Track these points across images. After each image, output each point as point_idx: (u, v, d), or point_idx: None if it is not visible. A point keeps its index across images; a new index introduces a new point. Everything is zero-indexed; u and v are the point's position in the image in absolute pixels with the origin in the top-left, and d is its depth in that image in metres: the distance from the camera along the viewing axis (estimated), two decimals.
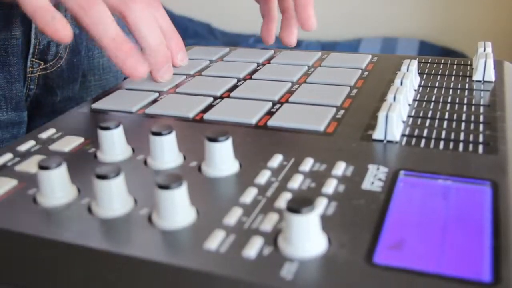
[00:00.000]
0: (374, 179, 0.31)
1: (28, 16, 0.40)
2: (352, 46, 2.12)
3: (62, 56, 0.57)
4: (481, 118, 0.39)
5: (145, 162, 0.34)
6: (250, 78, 0.49)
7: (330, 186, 0.30)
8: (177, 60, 0.50)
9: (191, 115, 0.41)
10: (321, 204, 0.28)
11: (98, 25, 0.41)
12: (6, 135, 0.54)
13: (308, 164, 0.33)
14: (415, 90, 0.45)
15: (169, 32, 0.48)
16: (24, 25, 0.52)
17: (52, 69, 0.56)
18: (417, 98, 0.43)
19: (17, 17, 0.51)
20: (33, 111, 0.58)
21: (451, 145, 0.35)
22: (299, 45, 2.20)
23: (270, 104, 0.42)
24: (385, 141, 0.36)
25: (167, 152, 0.33)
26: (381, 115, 0.35)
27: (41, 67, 0.55)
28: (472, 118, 0.39)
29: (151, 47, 0.45)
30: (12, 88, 0.53)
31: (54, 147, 0.37)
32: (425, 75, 0.48)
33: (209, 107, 0.43)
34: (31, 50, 0.54)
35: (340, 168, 0.32)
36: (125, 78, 0.54)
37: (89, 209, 0.29)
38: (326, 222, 0.27)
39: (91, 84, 0.63)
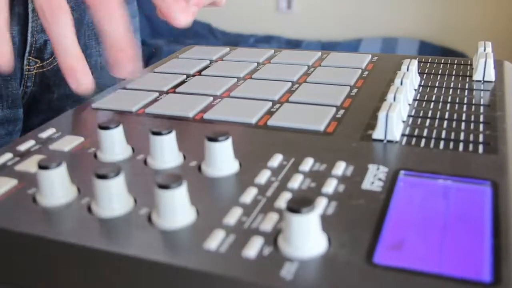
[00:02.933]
0: (374, 179, 0.31)
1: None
2: (352, 46, 2.12)
3: None
4: (481, 118, 0.39)
5: (145, 162, 0.34)
6: (250, 78, 0.49)
7: (330, 186, 0.30)
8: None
9: (191, 114, 0.41)
10: (321, 204, 0.28)
11: (57, 37, 0.39)
12: (2, 131, 0.54)
13: (308, 164, 0.33)
14: (415, 89, 0.45)
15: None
16: (20, 24, 0.52)
17: (49, 67, 0.57)
18: (417, 97, 0.43)
19: (14, 16, 0.51)
20: (30, 108, 0.58)
21: (451, 145, 0.35)
22: (299, 45, 2.20)
23: (270, 103, 0.42)
24: (385, 141, 0.36)
25: (167, 151, 0.33)
26: (381, 115, 0.35)
27: (37, 65, 0.55)
28: (472, 118, 0.39)
29: (115, 45, 0.41)
30: (8, 85, 0.53)
31: (54, 146, 0.37)
32: (425, 75, 0.48)
33: (209, 106, 0.43)
34: (27, 49, 0.54)
35: (340, 168, 0.32)
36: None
37: (89, 209, 0.29)
38: (326, 222, 0.27)
39: None
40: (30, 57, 0.54)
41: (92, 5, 0.40)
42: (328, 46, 2.16)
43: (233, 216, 0.28)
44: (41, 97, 0.58)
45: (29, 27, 0.53)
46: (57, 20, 0.39)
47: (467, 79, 0.47)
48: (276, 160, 0.33)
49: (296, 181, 0.31)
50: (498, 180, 0.30)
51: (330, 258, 0.25)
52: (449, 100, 0.42)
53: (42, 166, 0.29)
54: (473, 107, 0.41)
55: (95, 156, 0.35)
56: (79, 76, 0.40)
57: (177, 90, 0.47)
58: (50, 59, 0.56)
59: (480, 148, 0.34)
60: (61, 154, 0.36)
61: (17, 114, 0.55)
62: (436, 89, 0.45)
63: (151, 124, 0.34)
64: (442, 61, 0.52)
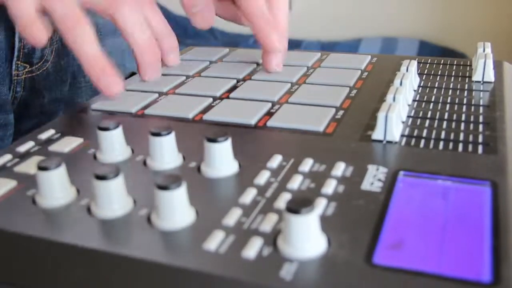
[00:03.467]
0: (373, 179, 0.31)
1: (12, 19, 0.41)
2: (352, 46, 2.12)
3: (48, 59, 0.57)
4: (481, 119, 0.39)
5: (145, 163, 0.34)
6: (250, 79, 0.49)
7: (330, 187, 0.30)
8: (168, 60, 0.51)
9: (190, 115, 0.41)
10: (321, 205, 0.28)
11: (79, 45, 0.42)
12: None
13: (307, 164, 0.33)
14: (414, 90, 0.45)
15: (162, 32, 0.48)
16: (7, 29, 0.52)
17: (38, 72, 0.56)
18: (417, 98, 0.43)
19: (1, 21, 0.51)
20: (20, 113, 0.57)
21: (451, 145, 0.35)
22: (299, 45, 2.20)
23: (270, 104, 0.42)
24: (384, 142, 0.36)
25: (166, 152, 0.33)
26: (381, 116, 0.35)
27: (26, 70, 0.55)
28: (472, 118, 0.39)
29: (139, 47, 0.45)
30: None
31: (53, 148, 0.37)
32: (424, 76, 0.48)
33: (209, 107, 0.43)
34: (15, 53, 0.53)
35: (340, 168, 0.32)
36: (129, 75, 0.54)
37: (89, 210, 0.29)
38: (326, 223, 0.27)
39: (82, 85, 0.63)
40: (19, 62, 0.54)
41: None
42: (327, 46, 2.16)
43: (233, 216, 0.28)
44: (31, 102, 0.58)
45: (16, 32, 0.52)
46: (80, 32, 0.42)
47: (467, 79, 0.47)
48: (276, 160, 0.33)
49: (296, 182, 0.31)
50: (497, 180, 0.30)
51: (329, 259, 0.25)
52: (448, 100, 0.42)
53: (42, 167, 0.29)
54: (472, 107, 0.41)
55: (95, 157, 0.35)
56: (110, 80, 0.42)
57: (177, 91, 0.47)
58: (39, 64, 0.56)
59: (480, 149, 0.34)
60: (60, 155, 0.36)
61: (8, 119, 0.55)
62: (435, 89, 0.45)
63: (150, 125, 0.34)
64: (442, 62, 0.52)
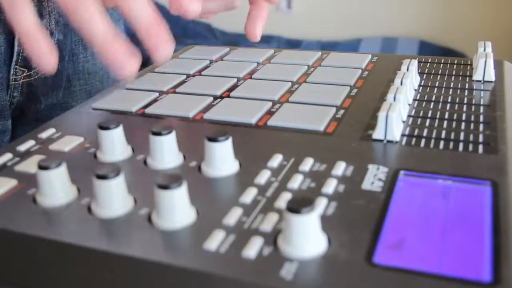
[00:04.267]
0: (374, 179, 0.31)
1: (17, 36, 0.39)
2: (352, 46, 2.12)
3: None
4: (481, 118, 0.39)
5: (145, 162, 0.34)
6: (250, 78, 0.49)
7: (330, 186, 0.30)
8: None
9: (191, 115, 0.41)
10: (321, 204, 0.28)
11: (86, 23, 0.39)
12: None
13: (308, 164, 0.33)
14: (415, 89, 0.45)
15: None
16: (6, 33, 0.52)
17: (36, 76, 0.56)
18: (417, 98, 0.43)
19: (0, 24, 0.51)
20: (17, 119, 0.57)
21: (451, 145, 0.35)
22: (299, 45, 2.20)
23: (270, 103, 0.42)
24: (385, 141, 0.36)
25: (167, 152, 0.33)
26: (381, 115, 0.35)
27: (24, 74, 0.55)
28: (472, 118, 0.39)
29: (144, 26, 0.41)
30: None
31: (54, 147, 0.37)
32: (425, 75, 0.48)
33: (209, 106, 0.43)
34: (14, 58, 0.53)
35: (340, 168, 0.32)
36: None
37: (89, 209, 0.29)
38: (326, 222, 0.27)
39: (76, 89, 0.63)
40: (17, 67, 0.53)
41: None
42: (328, 46, 2.16)
43: (233, 216, 0.28)
44: (28, 107, 0.57)
45: (16, 36, 0.52)
46: (85, 7, 0.38)
47: (467, 79, 0.47)
48: (276, 160, 0.33)
49: (296, 181, 0.31)
50: (498, 180, 0.30)
51: (330, 258, 0.25)
52: (449, 100, 0.42)
53: (42, 167, 0.29)
54: (473, 107, 0.41)
55: (95, 156, 0.35)
56: (123, 58, 0.39)
57: (177, 90, 0.47)
58: (37, 68, 0.55)
59: (480, 148, 0.34)
60: (61, 154, 0.36)
61: (6, 125, 0.54)
62: (436, 89, 0.45)
63: (151, 124, 0.34)
64: (442, 61, 0.52)
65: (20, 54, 0.53)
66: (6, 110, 0.54)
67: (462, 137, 0.36)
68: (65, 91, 0.61)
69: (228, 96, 0.45)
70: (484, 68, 0.46)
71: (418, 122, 0.38)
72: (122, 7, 0.41)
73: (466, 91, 0.44)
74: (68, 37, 0.58)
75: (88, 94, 0.63)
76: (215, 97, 0.44)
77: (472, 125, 0.37)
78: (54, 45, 0.40)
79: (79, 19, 0.39)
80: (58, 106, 0.60)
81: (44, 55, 0.38)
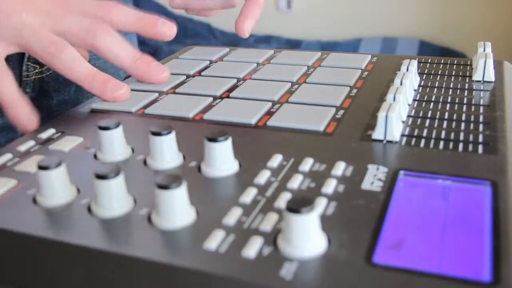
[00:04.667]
0: (373, 179, 0.31)
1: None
2: (352, 46, 2.12)
3: None
4: (481, 118, 0.39)
5: (145, 162, 0.34)
6: (250, 78, 0.49)
7: (330, 186, 0.30)
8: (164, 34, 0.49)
9: (190, 115, 0.41)
10: (321, 204, 0.28)
11: (69, 69, 0.43)
12: (2, 139, 0.54)
13: (307, 164, 0.33)
14: (414, 90, 0.45)
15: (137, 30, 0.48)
16: None
17: (48, 73, 0.56)
18: (417, 98, 0.43)
19: None
20: None
21: (451, 145, 0.35)
22: (299, 45, 2.20)
23: (270, 104, 0.42)
24: (384, 141, 0.36)
25: (166, 152, 0.33)
26: (381, 115, 0.35)
27: (36, 70, 0.55)
28: (472, 118, 0.39)
29: (129, 65, 0.46)
30: None
31: (53, 147, 0.37)
32: (425, 75, 0.48)
33: (209, 107, 0.43)
34: (26, 54, 0.53)
35: (340, 168, 0.32)
36: (126, 78, 0.54)
37: (89, 209, 0.29)
38: (326, 222, 0.27)
39: None
40: (29, 63, 0.54)
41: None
42: (328, 46, 2.16)
43: (233, 216, 0.28)
44: (40, 104, 0.58)
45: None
46: (65, 55, 0.43)
47: (467, 79, 0.47)
48: (276, 160, 0.33)
49: (296, 181, 0.31)
50: (497, 180, 0.30)
51: (329, 258, 0.25)
52: (448, 100, 0.42)
53: (42, 167, 0.29)
54: (472, 107, 0.41)
55: (95, 156, 0.35)
56: (114, 87, 0.44)
57: (177, 90, 0.47)
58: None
59: (480, 148, 0.34)
60: (61, 155, 0.36)
61: None
62: (435, 89, 0.45)
63: (150, 125, 0.34)
64: (442, 62, 0.52)
65: None
66: None
67: (462, 137, 0.36)
68: (76, 88, 0.62)
69: (228, 97, 0.45)
70: (483, 68, 0.46)
71: (418, 122, 0.38)
72: (98, 49, 0.45)
73: (466, 91, 0.44)
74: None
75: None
76: (215, 98, 0.44)
77: (472, 125, 0.38)
78: (33, 109, 0.43)
79: (62, 65, 0.43)
80: (69, 102, 0.61)
81: (23, 121, 0.43)
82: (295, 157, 0.34)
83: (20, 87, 0.55)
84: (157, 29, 0.48)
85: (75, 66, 0.43)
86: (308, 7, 2.28)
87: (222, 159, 0.32)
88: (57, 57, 0.43)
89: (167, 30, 0.48)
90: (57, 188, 0.30)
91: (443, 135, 0.36)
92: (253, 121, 0.40)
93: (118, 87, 0.44)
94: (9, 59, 0.52)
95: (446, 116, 0.39)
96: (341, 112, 0.41)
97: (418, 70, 0.49)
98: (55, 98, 0.59)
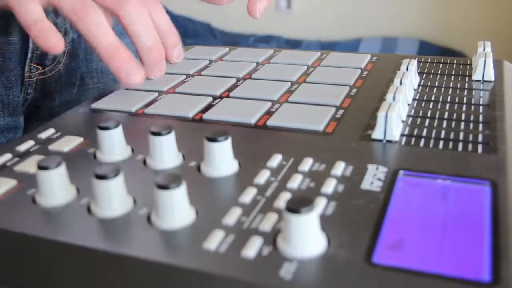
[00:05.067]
0: (373, 179, 0.31)
1: (23, 27, 0.40)
2: (352, 46, 2.12)
3: (60, 61, 0.57)
4: (481, 118, 0.39)
5: (145, 162, 0.34)
6: (250, 78, 0.49)
7: (330, 186, 0.30)
8: (173, 57, 0.50)
9: (190, 115, 0.41)
10: (320, 204, 0.28)
11: (93, 32, 0.41)
12: (2, 139, 0.54)
13: (307, 164, 0.33)
14: (414, 89, 0.45)
15: (167, 30, 0.48)
16: (22, 30, 0.52)
17: (50, 74, 0.56)
18: (417, 97, 0.43)
19: (15, 22, 0.51)
20: (30, 116, 0.57)
21: (451, 144, 0.35)
22: (299, 45, 2.20)
23: (270, 103, 0.42)
24: (384, 141, 0.36)
25: (166, 152, 0.33)
26: (381, 115, 0.35)
27: (38, 71, 0.55)
28: (472, 117, 0.39)
29: (146, 46, 0.45)
30: (9, 93, 0.53)
31: (53, 147, 0.37)
32: (424, 75, 0.48)
33: (209, 107, 0.43)
34: (29, 55, 0.53)
35: (340, 168, 0.32)
36: None
37: (88, 209, 0.29)
38: (325, 222, 0.27)
39: (90, 87, 0.63)
40: (32, 64, 0.54)
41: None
42: (327, 46, 2.16)
43: (233, 216, 0.28)
44: (41, 104, 0.58)
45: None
46: (92, 21, 0.41)
47: (467, 78, 0.47)
48: (276, 160, 0.33)
49: (296, 181, 0.31)
50: (497, 180, 0.30)
51: (329, 258, 0.25)
52: (448, 100, 0.42)
53: (42, 167, 0.29)
54: (472, 107, 0.41)
55: (95, 156, 0.35)
56: (132, 68, 0.42)
57: (177, 90, 0.47)
58: (51, 65, 0.56)
59: (480, 148, 0.34)
60: (60, 155, 0.36)
61: (18, 121, 0.55)
62: (435, 89, 0.45)
63: (150, 124, 0.34)
64: (442, 61, 0.52)
65: (35, 52, 0.54)
66: (19, 107, 0.54)
67: (461, 137, 0.36)
68: (79, 89, 0.62)
69: (228, 96, 0.45)
70: (483, 68, 0.46)
71: (418, 122, 0.38)
72: (122, 18, 0.43)
73: (466, 90, 0.44)
74: (82, 36, 0.59)
75: (101, 92, 0.64)
76: (215, 97, 0.44)
77: (471, 125, 0.37)
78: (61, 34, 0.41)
79: (86, 28, 0.40)
80: (71, 103, 0.61)
81: (52, 38, 0.40)
82: (295, 157, 0.34)
83: (22, 88, 0.55)
84: (170, 52, 0.49)
85: (99, 34, 0.41)
86: (308, 7, 2.28)
87: (221, 159, 0.32)
88: (83, 20, 0.41)
89: (174, 57, 0.50)
90: (57, 188, 0.30)
91: (442, 134, 0.36)
92: (252, 120, 0.40)
93: (134, 71, 0.42)
94: (11, 59, 0.52)
95: (446, 115, 0.39)
96: (341, 111, 0.41)
97: (417, 70, 0.49)
98: (57, 99, 0.59)
